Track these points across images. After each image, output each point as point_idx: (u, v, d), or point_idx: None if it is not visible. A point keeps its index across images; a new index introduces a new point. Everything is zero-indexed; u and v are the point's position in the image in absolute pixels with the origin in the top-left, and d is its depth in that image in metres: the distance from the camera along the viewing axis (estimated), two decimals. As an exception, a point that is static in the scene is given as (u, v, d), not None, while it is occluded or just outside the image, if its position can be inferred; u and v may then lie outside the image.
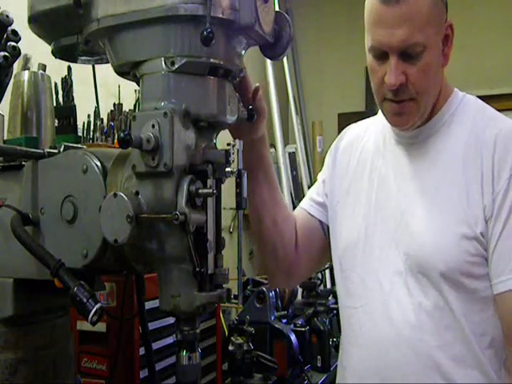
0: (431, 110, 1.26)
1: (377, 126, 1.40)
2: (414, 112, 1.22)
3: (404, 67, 1.17)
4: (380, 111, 1.39)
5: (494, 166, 1.15)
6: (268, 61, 4.16)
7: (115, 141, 1.95)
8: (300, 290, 3.18)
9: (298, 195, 4.47)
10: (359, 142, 1.40)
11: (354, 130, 1.47)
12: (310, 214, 1.44)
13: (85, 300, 1.02)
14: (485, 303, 1.18)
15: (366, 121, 1.46)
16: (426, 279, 1.18)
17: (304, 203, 1.48)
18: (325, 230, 1.43)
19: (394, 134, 1.32)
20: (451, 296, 1.17)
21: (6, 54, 1.28)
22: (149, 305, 1.65)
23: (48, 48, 1.24)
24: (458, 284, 1.17)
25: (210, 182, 1.05)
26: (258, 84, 1.21)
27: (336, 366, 1.42)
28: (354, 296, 1.30)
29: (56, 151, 1.20)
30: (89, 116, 2.05)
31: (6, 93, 1.39)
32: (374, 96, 1.27)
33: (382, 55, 1.19)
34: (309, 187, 4.55)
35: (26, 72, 1.40)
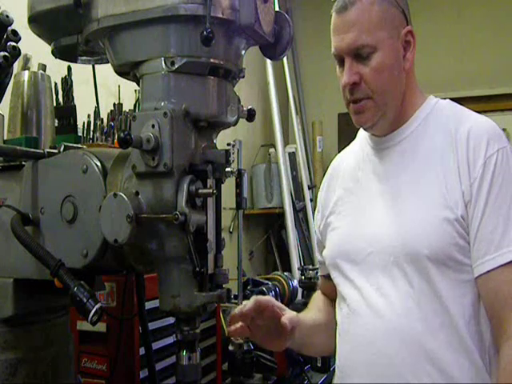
0: (403, 115, 1.31)
1: (355, 146, 1.48)
2: (371, 110, 1.28)
3: (358, 68, 1.26)
4: (358, 135, 1.47)
5: (468, 157, 1.21)
6: (268, 61, 4.16)
7: (115, 141, 1.95)
8: (300, 290, 3.18)
9: (298, 195, 4.47)
10: (342, 163, 1.48)
11: (337, 158, 1.56)
12: (324, 277, 1.52)
13: (85, 300, 1.02)
14: (469, 287, 1.20)
15: (346, 149, 1.54)
16: (413, 266, 1.21)
17: (319, 269, 1.57)
18: None
19: (370, 143, 1.38)
20: (438, 280, 1.19)
21: (6, 54, 1.28)
22: (149, 305, 1.65)
23: (48, 48, 1.24)
24: (444, 267, 1.20)
25: (210, 182, 1.05)
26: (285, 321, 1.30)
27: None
28: (344, 298, 1.33)
29: (56, 151, 1.21)
30: (89, 116, 2.05)
31: (6, 93, 1.39)
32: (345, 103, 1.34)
33: (340, 61, 1.29)
34: (309, 187, 4.56)
35: (26, 72, 1.40)
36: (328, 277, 1.46)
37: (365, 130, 1.36)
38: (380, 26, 1.25)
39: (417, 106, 1.33)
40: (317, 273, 3.11)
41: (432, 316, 1.19)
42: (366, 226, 1.30)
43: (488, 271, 1.17)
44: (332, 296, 1.47)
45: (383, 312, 1.23)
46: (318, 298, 1.58)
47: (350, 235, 1.33)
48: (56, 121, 1.55)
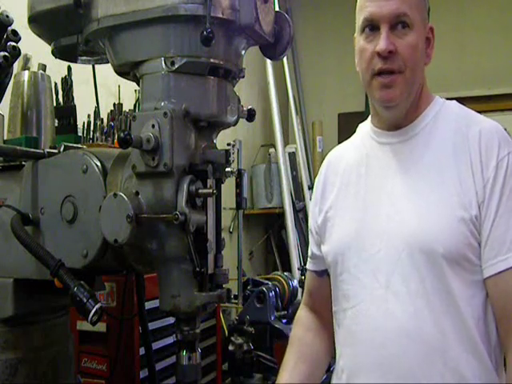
0: (416, 110, 1.31)
1: (355, 142, 1.45)
2: (401, 86, 1.25)
3: (393, 39, 1.24)
4: (357, 130, 1.45)
5: (481, 157, 1.21)
6: (268, 61, 4.16)
7: (115, 141, 1.95)
8: (300, 290, 3.19)
9: (298, 195, 4.47)
10: (342, 157, 1.45)
11: (335, 151, 1.52)
12: (317, 273, 1.47)
13: (85, 300, 1.02)
14: (479, 287, 1.20)
15: (345, 142, 1.51)
16: (426, 264, 1.20)
17: (308, 264, 1.51)
18: None
19: (377, 138, 1.36)
20: (451, 280, 1.19)
21: (6, 54, 1.28)
22: (149, 305, 1.65)
23: (48, 48, 1.24)
24: (457, 267, 1.19)
25: (210, 182, 1.05)
26: None
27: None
28: (349, 297, 1.31)
29: (56, 151, 1.21)
30: (89, 116, 2.05)
31: (6, 93, 1.39)
32: (362, 79, 1.30)
33: (372, 29, 1.25)
34: (309, 187, 4.55)
35: (26, 72, 1.40)
36: (320, 273, 1.44)
37: (385, 108, 1.31)
38: (417, 8, 1.25)
39: (427, 103, 1.32)
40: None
41: (443, 316, 1.19)
42: (374, 222, 1.28)
43: (499, 272, 1.17)
44: (319, 295, 1.45)
45: (393, 312, 1.22)
46: (299, 339, 1.48)
47: (356, 230, 1.30)
48: (56, 121, 1.55)
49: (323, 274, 1.43)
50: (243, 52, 1.13)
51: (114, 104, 2.20)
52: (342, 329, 1.33)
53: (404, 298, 1.21)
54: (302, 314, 1.51)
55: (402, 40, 1.23)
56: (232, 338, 2.50)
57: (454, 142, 1.25)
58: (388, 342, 1.22)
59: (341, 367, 1.33)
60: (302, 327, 1.49)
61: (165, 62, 1.02)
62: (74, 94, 1.88)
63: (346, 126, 4.89)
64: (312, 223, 1.46)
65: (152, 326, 1.74)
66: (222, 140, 1.13)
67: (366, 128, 1.41)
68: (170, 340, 1.89)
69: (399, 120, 1.30)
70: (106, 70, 1.28)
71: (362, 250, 1.28)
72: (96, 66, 1.50)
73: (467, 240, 1.18)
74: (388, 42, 1.22)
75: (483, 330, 1.19)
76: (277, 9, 1.15)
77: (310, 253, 1.49)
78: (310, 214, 1.50)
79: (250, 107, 1.19)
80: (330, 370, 2.26)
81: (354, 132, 1.50)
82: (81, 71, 1.88)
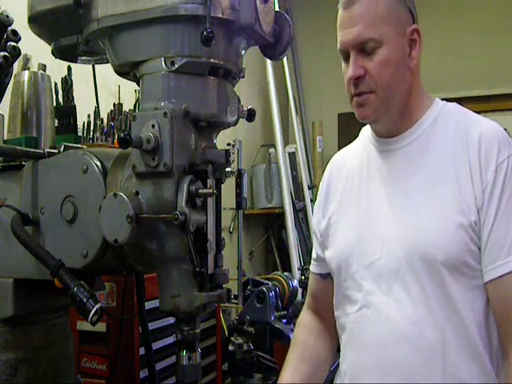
0: (410, 117, 1.31)
1: (357, 146, 1.46)
2: (374, 104, 1.28)
3: (363, 62, 1.26)
4: (360, 134, 1.46)
5: (480, 161, 1.21)
6: (268, 61, 4.16)
7: (115, 141, 1.95)
8: (300, 290, 3.19)
9: (298, 195, 4.47)
10: (345, 162, 1.46)
11: (339, 155, 1.54)
12: (321, 276, 1.47)
13: (85, 300, 1.02)
14: (480, 291, 1.21)
15: (348, 146, 1.53)
16: (427, 272, 1.20)
17: (312, 266, 1.51)
18: None
19: (376, 144, 1.37)
20: (451, 286, 1.19)
21: (6, 54, 1.28)
22: (149, 305, 1.65)
23: (48, 48, 1.24)
24: (457, 273, 1.19)
25: (210, 182, 1.05)
26: None
27: (336, 365, 1.43)
28: (352, 303, 1.31)
29: (56, 151, 1.21)
30: (89, 116, 2.05)
31: (6, 93, 1.39)
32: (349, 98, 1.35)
33: (346, 56, 1.29)
34: (309, 187, 4.55)
35: (26, 72, 1.40)
36: (324, 276, 1.44)
37: (369, 124, 1.34)
38: (386, 22, 1.25)
39: (424, 108, 1.32)
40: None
41: (444, 321, 1.19)
42: (375, 228, 1.28)
43: (499, 276, 1.17)
44: (323, 298, 1.45)
45: (395, 318, 1.22)
46: (301, 342, 1.48)
47: (359, 236, 1.31)
48: (56, 121, 1.55)
49: (327, 277, 1.43)
50: (243, 52, 1.13)
51: (114, 104, 2.20)
52: (345, 333, 1.34)
53: (405, 304, 1.22)
54: (305, 317, 1.51)
55: (371, 61, 1.25)
56: (232, 338, 2.51)
57: (453, 146, 1.25)
58: (389, 347, 1.23)
59: (343, 370, 1.34)
60: (305, 330, 1.49)
61: (165, 62, 1.02)
62: (74, 94, 1.88)
63: (346, 126, 4.88)
64: (316, 226, 1.47)
65: (152, 326, 1.74)
66: (222, 140, 1.13)
67: (367, 132, 1.41)
68: (170, 340, 1.89)
69: (390, 130, 1.32)
70: (106, 70, 1.28)
71: (364, 257, 1.29)
72: (96, 66, 1.50)
73: (467, 246, 1.18)
74: (355, 67, 1.26)
75: (484, 334, 1.20)
76: (277, 9, 1.15)
77: (314, 255, 1.49)
78: (314, 218, 1.51)
79: (250, 107, 1.19)
80: (330, 370, 2.26)
81: (354, 132, 1.51)
82: (81, 71, 1.87)
